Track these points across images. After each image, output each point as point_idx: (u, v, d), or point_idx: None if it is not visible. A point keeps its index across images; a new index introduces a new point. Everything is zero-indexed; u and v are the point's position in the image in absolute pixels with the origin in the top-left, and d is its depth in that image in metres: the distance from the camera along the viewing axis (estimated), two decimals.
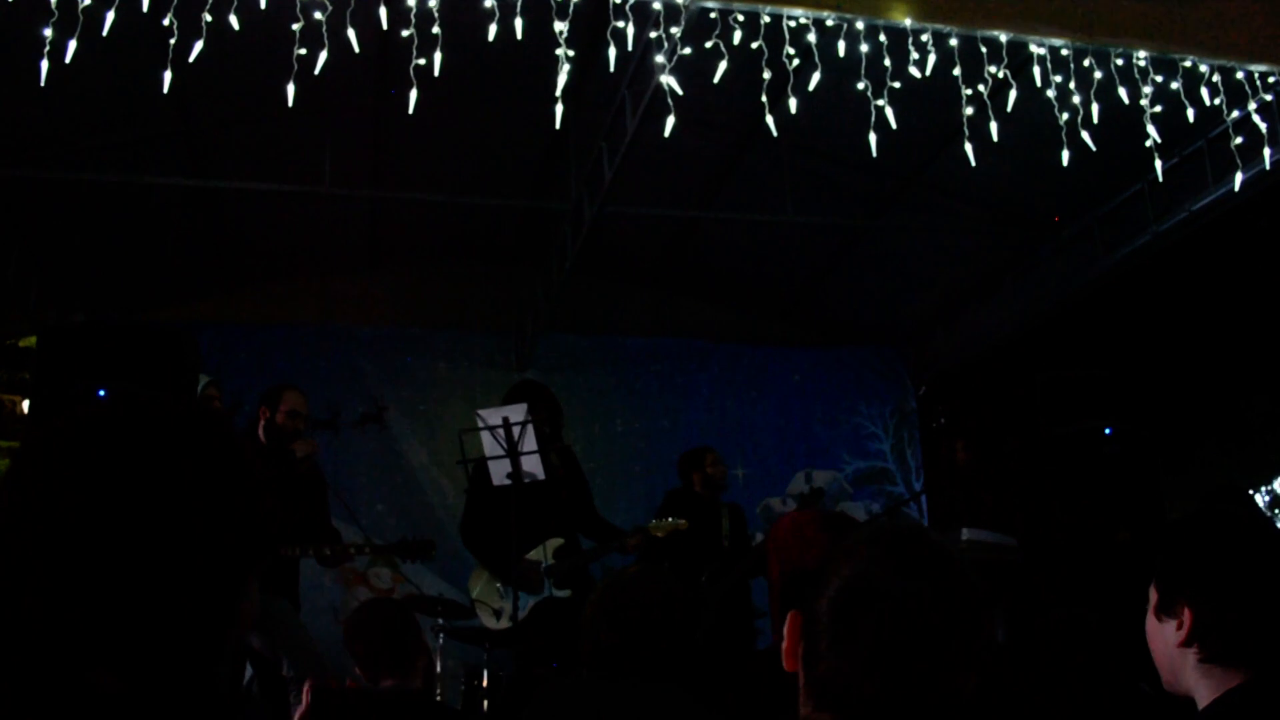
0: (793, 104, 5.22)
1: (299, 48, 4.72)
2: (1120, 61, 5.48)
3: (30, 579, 1.08)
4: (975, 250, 8.50)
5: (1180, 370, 10.03)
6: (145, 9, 4.52)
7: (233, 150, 7.20)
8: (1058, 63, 5.44)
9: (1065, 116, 5.46)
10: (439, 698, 5.83)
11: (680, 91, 5.11)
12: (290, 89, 4.78)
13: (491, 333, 9.14)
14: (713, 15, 5.02)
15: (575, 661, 3.17)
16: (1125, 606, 2.58)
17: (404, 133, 7.09)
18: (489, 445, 5.80)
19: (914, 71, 5.22)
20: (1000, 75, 5.36)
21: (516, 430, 5.72)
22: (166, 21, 4.54)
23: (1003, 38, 5.31)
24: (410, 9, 4.75)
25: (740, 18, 5.04)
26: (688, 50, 5.09)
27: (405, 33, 4.79)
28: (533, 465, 5.76)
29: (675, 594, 2.90)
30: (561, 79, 4.98)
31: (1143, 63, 5.49)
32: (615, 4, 4.91)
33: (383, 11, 4.75)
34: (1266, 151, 5.82)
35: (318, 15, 4.70)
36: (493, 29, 4.78)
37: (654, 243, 9.07)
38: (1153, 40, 5.45)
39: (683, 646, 2.84)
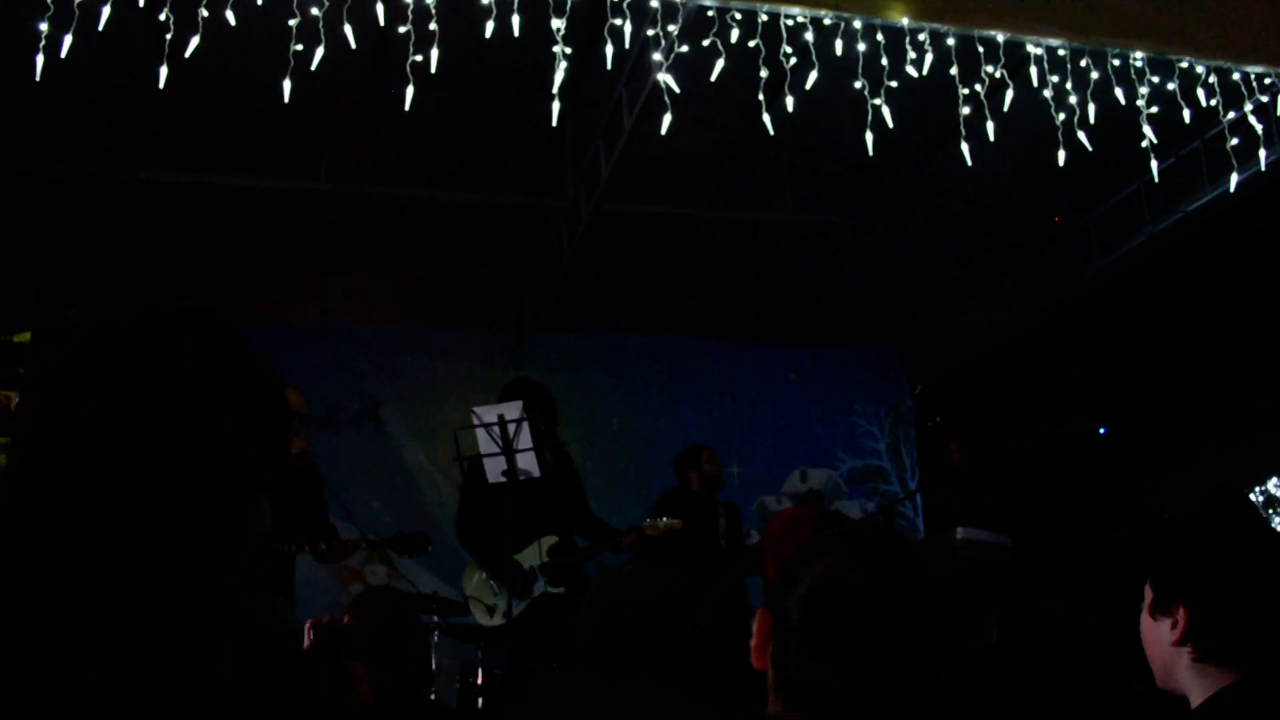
0: (790, 103, 5.23)
1: (296, 44, 4.71)
2: (1117, 62, 5.48)
3: (29, 575, 1.08)
4: (971, 250, 8.51)
5: (1176, 371, 10.04)
6: (141, 4, 4.52)
7: (230, 146, 7.18)
8: (1054, 63, 5.45)
9: (1062, 116, 5.47)
10: (434, 696, 5.83)
11: (677, 89, 5.11)
12: (287, 85, 4.77)
13: (488, 331, 9.13)
14: (710, 13, 5.02)
15: (570, 659, 3.16)
16: (1120, 605, 2.58)
17: (401, 129, 7.08)
18: (484, 443, 5.79)
19: (911, 71, 5.22)
20: (997, 75, 5.37)
21: (512, 428, 5.71)
22: (163, 17, 4.53)
23: (1000, 38, 5.31)
24: (407, 5, 4.75)
25: (738, 16, 5.04)
26: (685, 48, 5.09)
27: (402, 29, 4.79)
28: (528, 463, 5.75)
29: (671, 592, 2.89)
30: (558, 76, 4.97)
31: (1139, 63, 5.50)
32: (613, 2, 4.92)
33: (380, 8, 4.74)
34: (1262, 152, 5.83)
35: (315, 11, 4.70)
36: (490, 26, 4.78)
37: (651, 241, 9.06)
38: (1149, 41, 5.46)
39: (679, 645, 2.83)
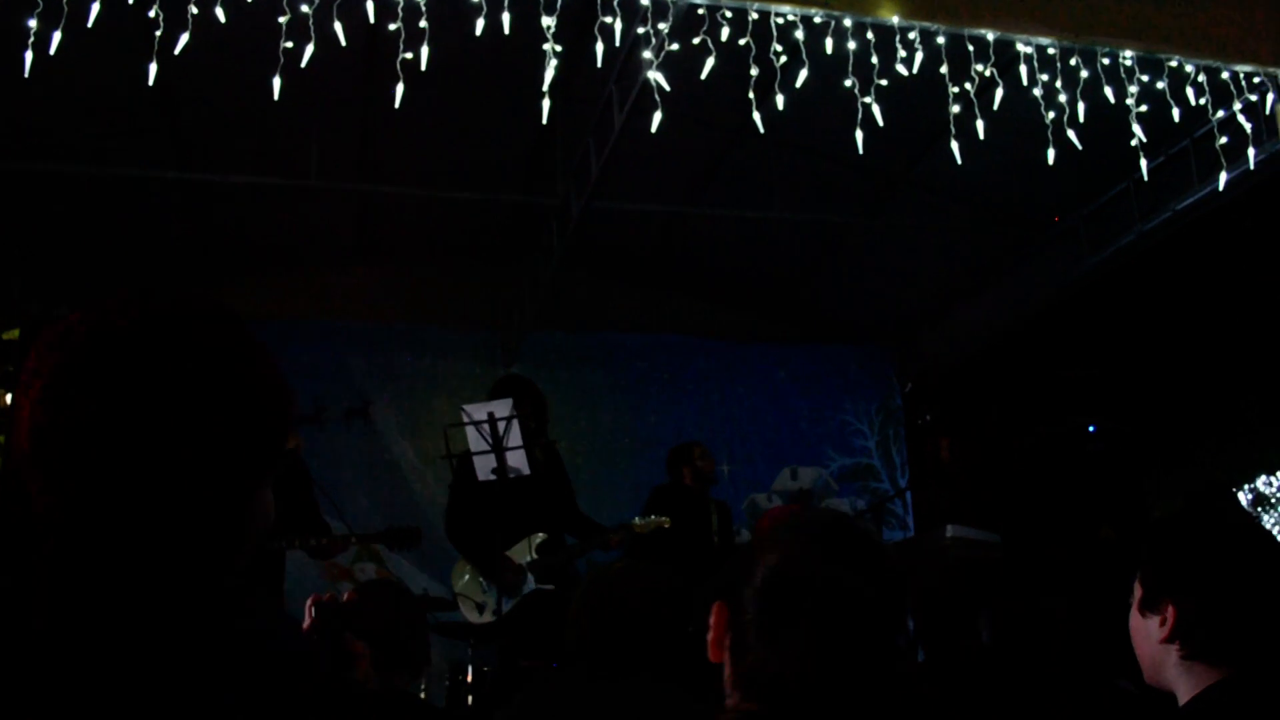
0: (780, 101, 5.22)
1: (285, 41, 4.70)
2: (1106, 61, 5.50)
3: (29, 574, 1.08)
4: (961, 248, 8.52)
5: (1165, 369, 10.08)
6: (130, 1, 4.50)
7: (219, 143, 7.16)
8: (1044, 61, 5.46)
9: (1051, 115, 5.48)
10: (423, 693, 5.82)
11: (667, 87, 5.11)
12: (277, 82, 4.76)
13: (478, 328, 9.13)
14: (700, 11, 5.03)
15: (562, 656, 3.16)
16: (1109, 603, 2.59)
17: (391, 127, 7.07)
18: (474, 440, 5.79)
19: (901, 69, 5.22)
20: (987, 74, 5.37)
21: (502, 425, 5.71)
22: (152, 13, 4.52)
23: (990, 36, 5.32)
24: (397, 3, 4.74)
25: (728, 14, 5.04)
26: (675, 46, 5.09)
27: (392, 26, 4.78)
28: (518, 461, 5.75)
29: (662, 589, 2.89)
30: (549, 74, 4.97)
31: (1129, 62, 5.51)
32: None
33: (369, 5, 4.73)
34: (1251, 151, 5.85)
35: (304, 8, 4.69)
36: (480, 23, 4.78)
37: (641, 239, 9.06)
38: (1139, 40, 5.47)
39: (671, 642, 2.83)
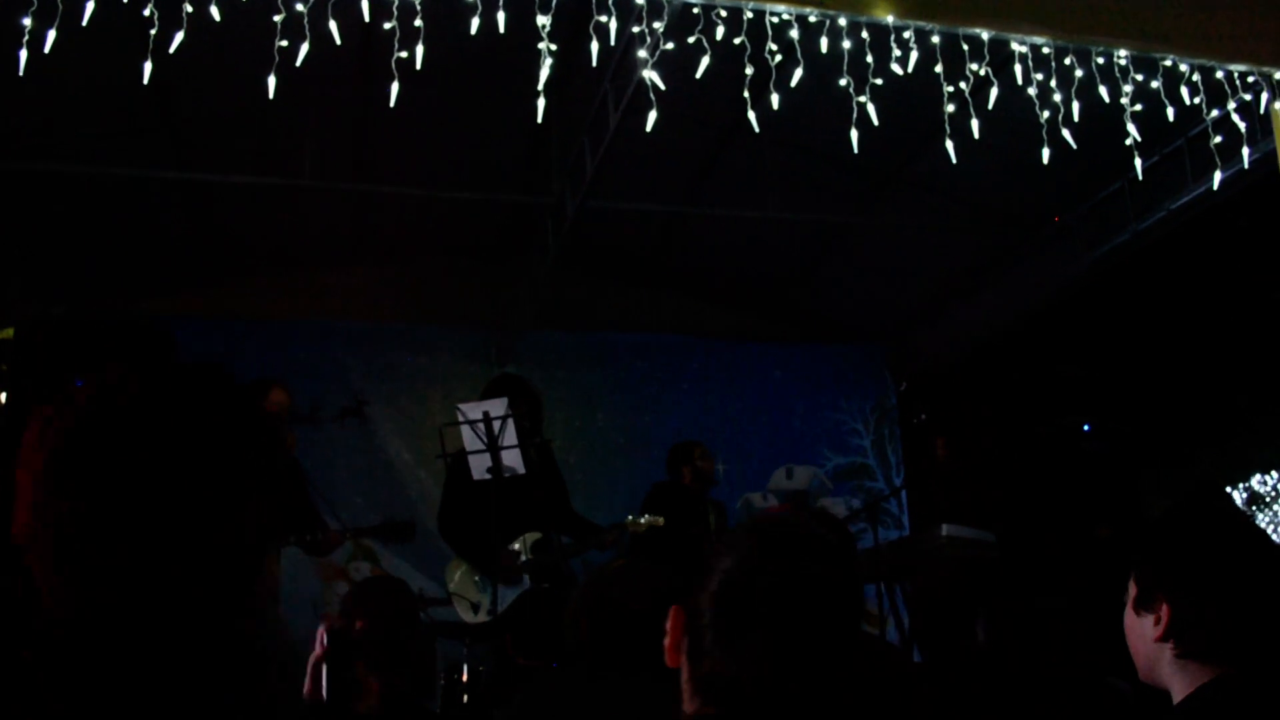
0: (775, 100, 5.22)
1: (280, 39, 4.69)
2: (1101, 60, 5.50)
3: (30, 577, 1.09)
4: (957, 247, 8.52)
5: (1160, 368, 10.09)
6: None
7: (214, 143, 7.15)
8: (1039, 61, 5.46)
9: (1046, 114, 5.48)
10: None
11: (663, 86, 5.11)
12: (271, 81, 4.75)
13: (474, 328, 9.12)
14: (695, 10, 5.02)
15: (560, 655, 3.15)
16: (1104, 601, 2.59)
17: (386, 126, 7.06)
18: (469, 440, 5.79)
19: (896, 68, 5.22)
20: (982, 73, 5.37)
21: (497, 424, 5.71)
22: (147, 12, 4.51)
23: (984, 35, 5.31)
24: (392, 1, 4.73)
25: (723, 13, 5.03)
26: (670, 45, 5.09)
27: (387, 25, 4.77)
28: (513, 460, 5.75)
29: (662, 588, 2.88)
30: (544, 73, 4.96)
31: (1123, 61, 5.52)
32: None
33: (364, 4, 4.73)
34: (1245, 151, 5.85)
35: (299, 7, 4.67)
36: (475, 22, 4.77)
37: (636, 238, 9.06)
38: (1133, 39, 5.47)
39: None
